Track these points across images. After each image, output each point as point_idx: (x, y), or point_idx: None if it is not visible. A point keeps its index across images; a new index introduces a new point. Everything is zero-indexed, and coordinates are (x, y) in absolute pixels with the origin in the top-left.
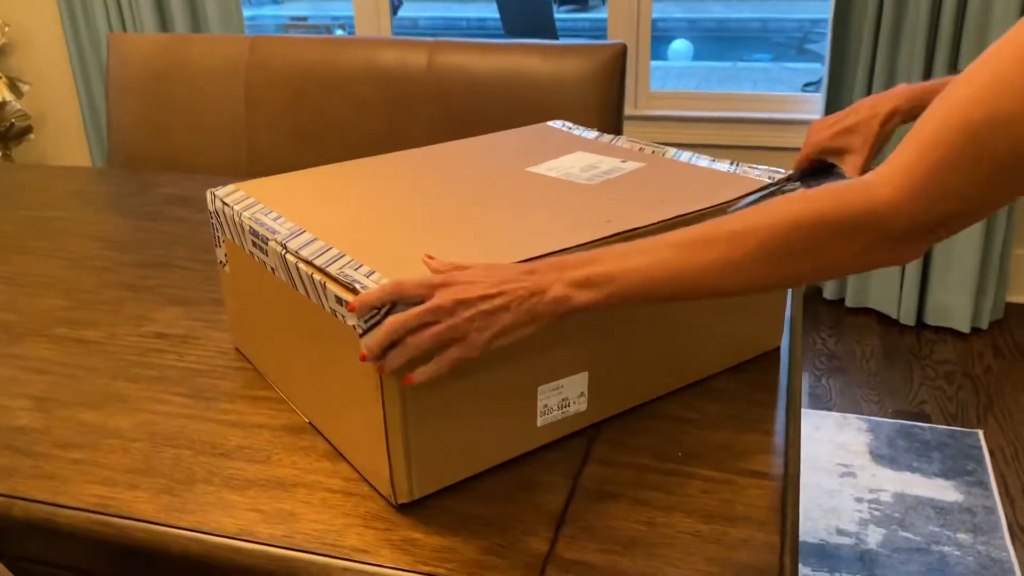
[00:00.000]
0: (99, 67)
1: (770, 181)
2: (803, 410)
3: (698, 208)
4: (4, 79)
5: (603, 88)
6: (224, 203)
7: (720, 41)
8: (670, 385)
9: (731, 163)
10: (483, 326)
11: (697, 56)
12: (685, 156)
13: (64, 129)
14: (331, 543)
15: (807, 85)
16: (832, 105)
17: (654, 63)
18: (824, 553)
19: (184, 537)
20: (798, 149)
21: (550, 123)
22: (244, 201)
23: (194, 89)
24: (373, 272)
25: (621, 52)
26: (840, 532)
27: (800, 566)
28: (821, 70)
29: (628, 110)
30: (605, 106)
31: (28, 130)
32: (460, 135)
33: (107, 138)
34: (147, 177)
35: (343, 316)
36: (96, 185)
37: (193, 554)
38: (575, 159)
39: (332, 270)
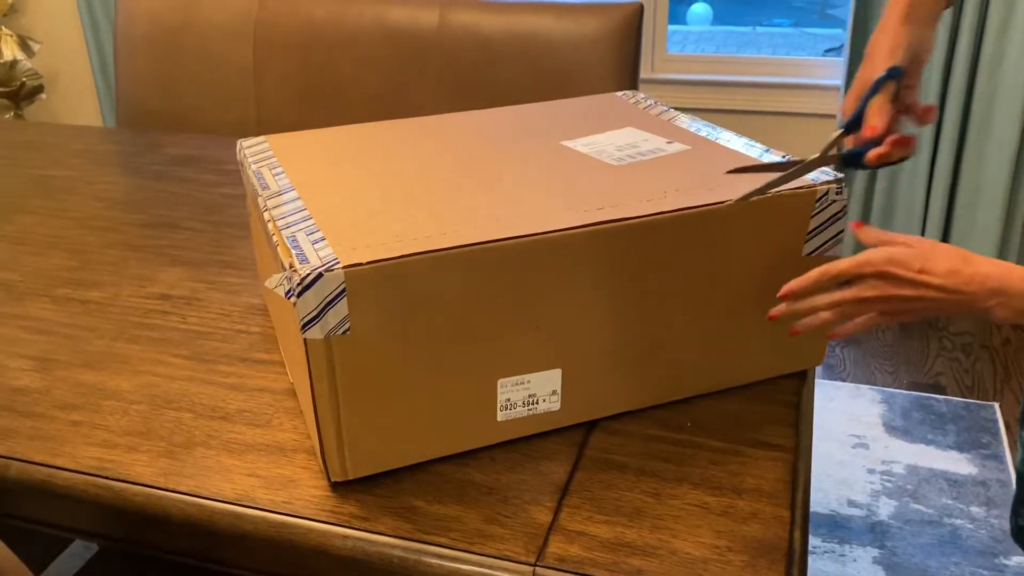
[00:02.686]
0: (109, 25)
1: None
2: (816, 380)
3: (701, 203)
4: (15, 38)
5: (618, 49)
6: (245, 154)
7: (740, 5)
8: (668, 395)
9: (782, 155)
10: (910, 310)
11: (716, 20)
12: (737, 143)
13: (75, 88)
14: (331, 509)
15: (828, 51)
16: (854, 71)
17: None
18: (835, 524)
19: (183, 502)
20: (819, 115)
21: (618, 93)
22: (261, 155)
23: (203, 47)
24: (323, 241)
25: (637, 12)
26: (851, 503)
27: (810, 536)
28: (843, 35)
29: (644, 73)
30: (620, 68)
31: (39, 89)
32: (470, 95)
33: (116, 96)
34: (154, 137)
35: (282, 283)
36: (102, 144)
37: (193, 518)
38: (619, 136)
39: (287, 234)
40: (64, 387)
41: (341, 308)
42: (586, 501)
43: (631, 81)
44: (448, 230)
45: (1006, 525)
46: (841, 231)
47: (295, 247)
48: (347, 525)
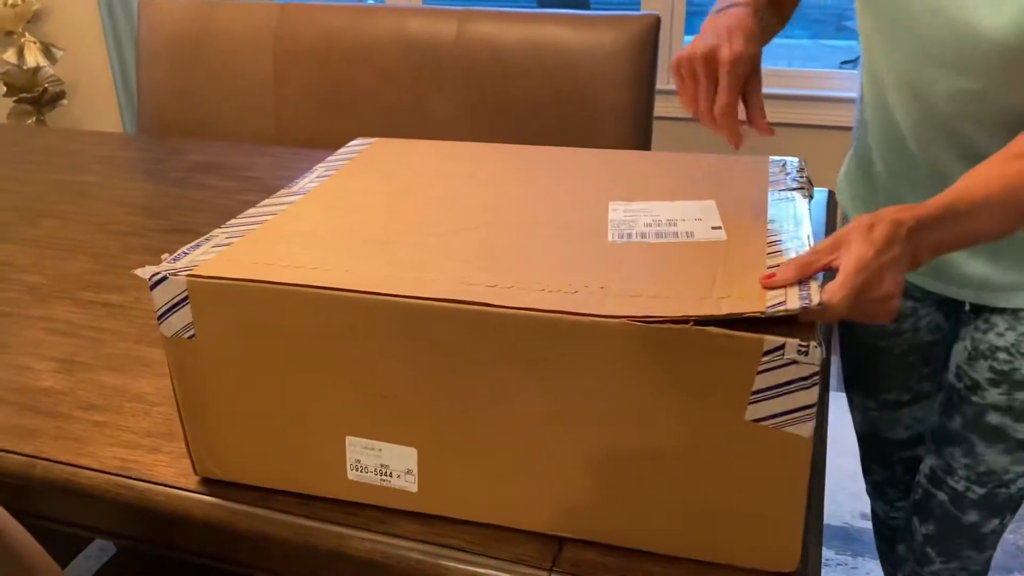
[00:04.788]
0: (131, 33)
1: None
2: (831, 392)
3: (646, 314)
4: (38, 44)
5: (635, 61)
6: (338, 153)
7: None
8: (553, 527)
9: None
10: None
11: None
12: (792, 244)
13: (97, 95)
14: (348, 512)
15: (844, 63)
16: None
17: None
18: (848, 536)
19: (204, 502)
20: (834, 127)
21: (775, 158)
22: (342, 156)
23: (223, 57)
24: (225, 247)
25: (655, 24)
26: (864, 516)
27: (823, 549)
28: (859, 48)
29: (661, 84)
30: (637, 79)
31: (61, 95)
32: (488, 106)
33: (137, 104)
34: (175, 143)
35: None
36: (124, 151)
37: (213, 519)
38: (680, 208)
39: (213, 231)
40: (87, 388)
41: (185, 314)
42: None
43: (648, 92)
44: (335, 267)
45: (1021, 540)
46: (811, 405)
47: (193, 246)
48: (365, 528)
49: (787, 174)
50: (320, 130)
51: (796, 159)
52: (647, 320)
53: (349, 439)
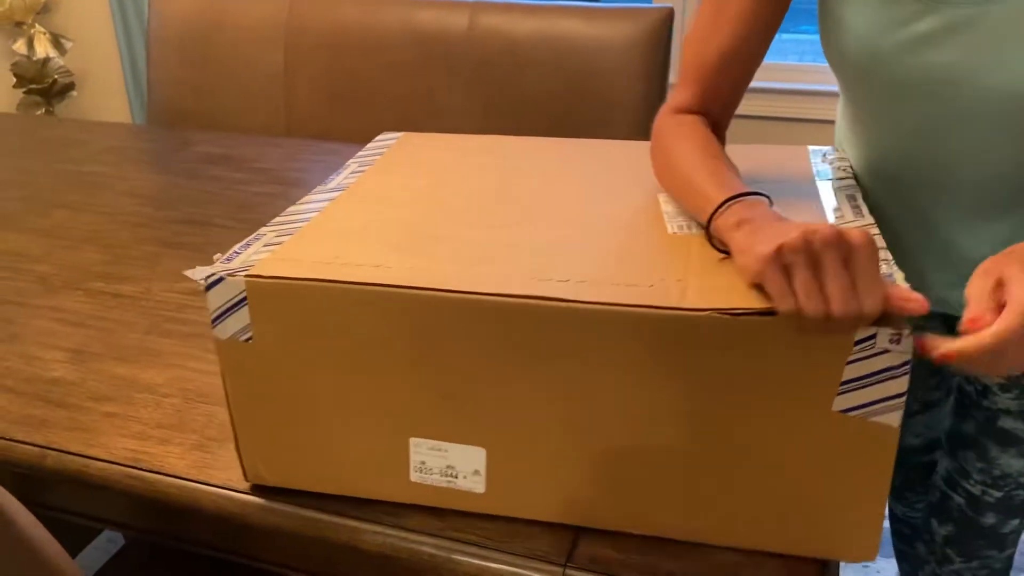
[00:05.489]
0: (141, 24)
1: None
2: None
3: (732, 307)
4: (48, 35)
5: (648, 53)
6: (368, 147)
7: None
8: (634, 526)
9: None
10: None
11: None
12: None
13: (106, 86)
14: (361, 505)
15: None
16: None
17: None
18: None
19: (215, 494)
20: None
21: (813, 148)
22: (371, 152)
23: (233, 49)
24: (276, 246)
25: (668, 16)
26: None
27: None
28: None
29: (674, 77)
30: (649, 72)
31: (71, 87)
32: (499, 99)
33: (147, 96)
34: (185, 135)
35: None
36: (135, 141)
37: (224, 511)
38: None
39: (261, 231)
40: (98, 379)
41: (243, 316)
42: None
43: (660, 85)
44: (395, 264)
45: None
46: (901, 394)
47: (244, 245)
48: (376, 521)
49: (829, 164)
50: (330, 122)
51: (832, 148)
52: (734, 312)
53: (413, 440)
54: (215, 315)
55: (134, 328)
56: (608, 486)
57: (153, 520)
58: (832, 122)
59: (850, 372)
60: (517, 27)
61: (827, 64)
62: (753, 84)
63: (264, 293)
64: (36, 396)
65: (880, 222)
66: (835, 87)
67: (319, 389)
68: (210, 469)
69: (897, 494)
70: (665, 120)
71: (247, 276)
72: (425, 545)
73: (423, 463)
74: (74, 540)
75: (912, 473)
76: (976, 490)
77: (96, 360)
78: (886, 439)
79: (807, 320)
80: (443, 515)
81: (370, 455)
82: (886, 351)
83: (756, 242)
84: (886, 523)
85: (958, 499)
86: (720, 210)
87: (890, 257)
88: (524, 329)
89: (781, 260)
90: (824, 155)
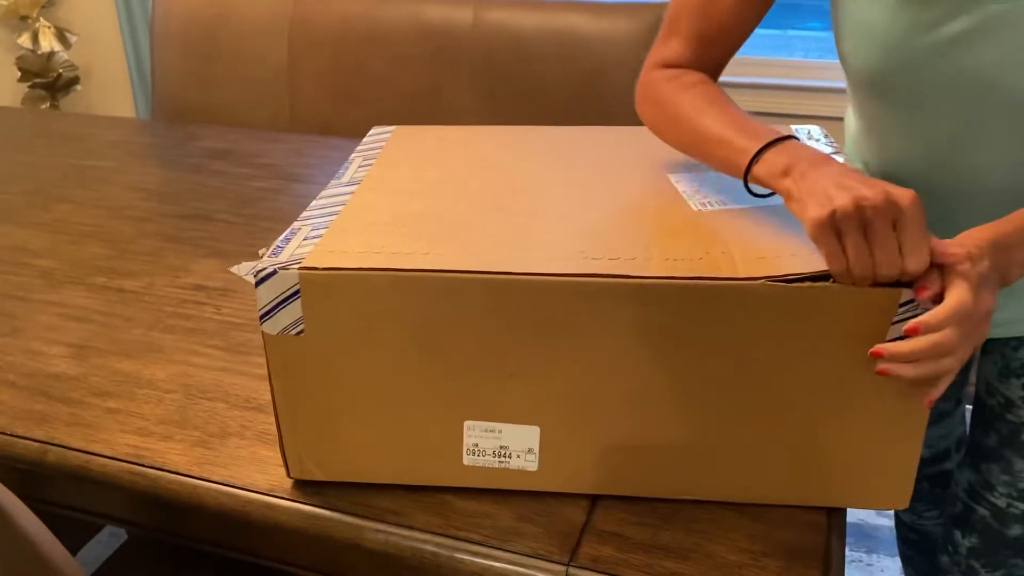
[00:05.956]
0: (146, 18)
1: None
2: None
3: (721, 276)
4: (52, 29)
5: None
6: (364, 141)
7: (773, 7)
8: (679, 492)
9: None
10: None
11: None
12: None
13: (110, 81)
14: (363, 503)
15: None
16: None
17: None
18: (862, 533)
19: (217, 491)
20: None
21: (798, 128)
22: (372, 144)
23: (238, 43)
24: (316, 239)
25: None
26: (880, 513)
27: None
28: None
29: None
30: None
31: (75, 81)
32: (504, 93)
33: (151, 90)
34: (189, 129)
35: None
36: (138, 136)
37: (226, 508)
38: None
39: (295, 225)
40: (100, 375)
41: (295, 308)
42: (620, 501)
43: None
44: (444, 251)
45: None
46: None
47: (285, 239)
48: (379, 519)
49: (815, 141)
50: (335, 117)
51: (818, 127)
52: (787, 279)
53: (467, 423)
54: (265, 310)
55: (137, 323)
56: (657, 454)
57: (155, 516)
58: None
59: (893, 332)
60: (522, 22)
61: (834, 60)
62: (759, 81)
63: (318, 285)
64: (38, 391)
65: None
66: (842, 84)
67: (371, 379)
68: (211, 466)
69: None
70: (656, 74)
71: (300, 268)
72: (428, 544)
73: (476, 445)
74: (77, 534)
75: (921, 484)
76: (1001, 503)
77: (98, 355)
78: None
79: (856, 277)
80: (446, 514)
81: (423, 442)
82: (927, 310)
83: (808, 196)
84: (890, 522)
85: (982, 511)
86: (758, 159)
87: None
88: (575, 307)
89: (835, 225)
90: (809, 133)
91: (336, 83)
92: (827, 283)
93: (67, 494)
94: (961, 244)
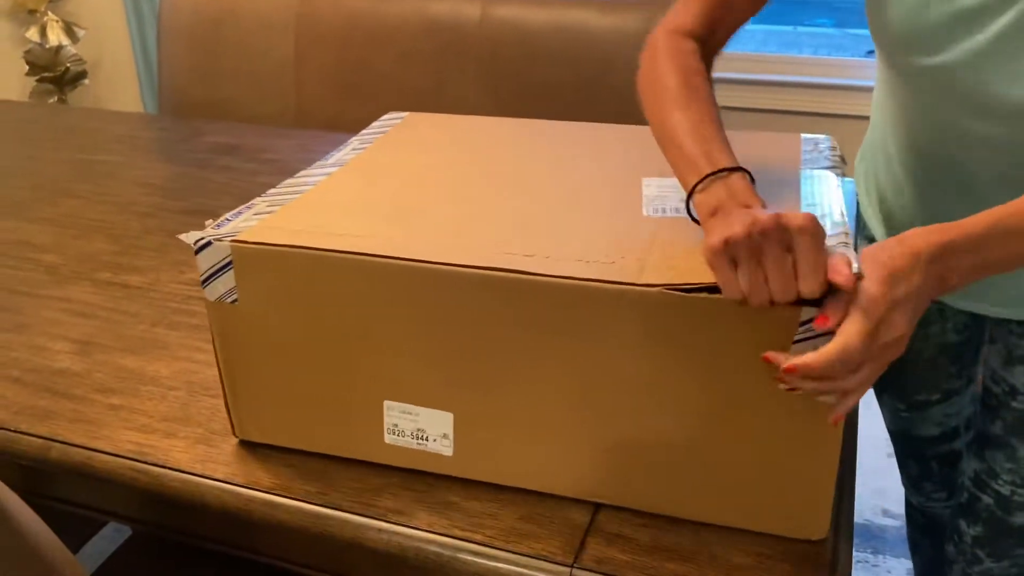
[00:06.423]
0: (153, 13)
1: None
2: None
3: (683, 283)
4: (60, 23)
5: None
6: (373, 125)
7: (782, 4)
8: (598, 494)
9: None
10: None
11: (758, 19)
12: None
13: (117, 75)
14: (367, 503)
15: (870, 52)
16: None
17: None
18: (868, 534)
19: (219, 489)
20: (859, 116)
21: (806, 136)
22: (374, 130)
23: (244, 38)
24: (267, 214)
25: None
26: (886, 513)
27: None
28: None
29: None
30: None
31: (83, 75)
32: (511, 90)
33: (158, 84)
34: (195, 124)
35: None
36: (144, 130)
37: (228, 506)
38: None
39: (255, 200)
40: (104, 371)
41: (229, 279)
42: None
43: None
44: (387, 235)
45: None
46: None
47: (236, 213)
48: (382, 519)
49: (819, 152)
50: (341, 112)
51: (827, 137)
52: (684, 288)
53: (387, 403)
54: (204, 277)
55: (141, 319)
56: (565, 453)
57: (157, 514)
58: (848, 116)
59: (795, 351)
60: (529, 18)
61: (843, 58)
62: (768, 78)
63: (248, 257)
64: (42, 387)
65: (922, 200)
66: (851, 81)
67: (300, 351)
68: (214, 463)
69: (915, 484)
70: (664, 41)
71: (232, 241)
72: (431, 544)
73: (396, 425)
74: (81, 530)
75: (930, 464)
76: (1005, 490)
77: (102, 351)
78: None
79: (753, 303)
80: (449, 514)
81: (348, 416)
82: (831, 332)
83: (713, 226)
84: (896, 522)
85: (987, 499)
86: (701, 185)
87: (849, 239)
88: (486, 299)
89: (728, 252)
90: (816, 144)
91: (342, 79)
92: (721, 295)
93: (70, 490)
94: (892, 255)
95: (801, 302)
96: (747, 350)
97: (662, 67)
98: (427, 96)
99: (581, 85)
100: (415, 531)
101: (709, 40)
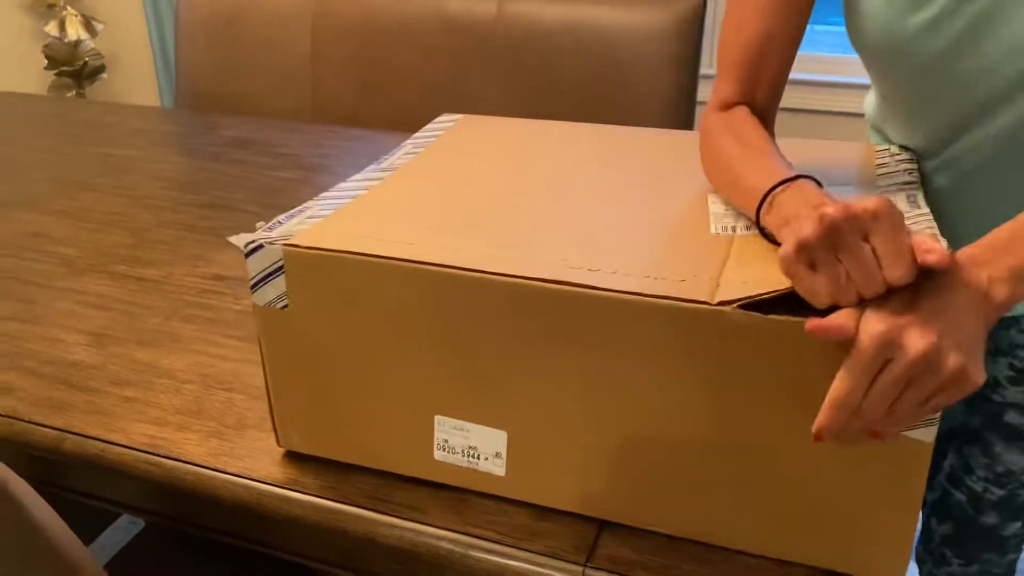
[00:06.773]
0: (171, 8)
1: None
2: None
3: (694, 298)
4: (79, 18)
5: (679, 43)
6: (427, 128)
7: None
8: (655, 523)
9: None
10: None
11: None
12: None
13: (135, 69)
14: (380, 498)
15: None
16: None
17: None
18: None
19: (233, 483)
20: None
21: (880, 146)
22: (429, 132)
23: (262, 34)
24: (320, 218)
25: (699, 5)
26: None
27: None
28: None
29: (704, 69)
30: (680, 62)
31: (101, 69)
32: (528, 86)
33: (176, 79)
34: (212, 119)
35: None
36: (161, 124)
37: (241, 500)
38: None
39: (307, 203)
40: (119, 363)
41: (280, 283)
42: None
43: (691, 77)
44: (439, 243)
45: None
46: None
47: (288, 216)
48: (395, 515)
49: (898, 162)
50: (357, 108)
51: (899, 147)
52: (758, 302)
53: (438, 418)
54: (254, 281)
55: (156, 312)
56: (627, 480)
57: (170, 506)
58: (855, 115)
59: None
60: (545, 14)
61: (851, 56)
62: None
63: (300, 262)
64: (57, 379)
65: (939, 213)
66: (864, 79)
67: (349, 360)
68: (227, 457)
69: None
70: (711, 119)
71: (285, 245)
72: (444, 541)
73: (446, 441)
74: (94, 522)
75: None
76: (978, 487)
77: (117, 344)
78: (919, 455)
79: (841, 305)
80: (462, 511)
81: (397, 429)
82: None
83: (786, 240)
84: None
85: (959, 496)
86: (765, 202)
87: (932, 223)
88: (548, 315)
89: (803, 257)
90: (891, 153)
91: (359, 74)
92: (804, 319)
93: (84, 482)
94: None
95: None
96: (829, 378)
97: (716, 144)
98: (444, 93)
99: (597, 81)
100: (428, 527)
101: (758, 100)
